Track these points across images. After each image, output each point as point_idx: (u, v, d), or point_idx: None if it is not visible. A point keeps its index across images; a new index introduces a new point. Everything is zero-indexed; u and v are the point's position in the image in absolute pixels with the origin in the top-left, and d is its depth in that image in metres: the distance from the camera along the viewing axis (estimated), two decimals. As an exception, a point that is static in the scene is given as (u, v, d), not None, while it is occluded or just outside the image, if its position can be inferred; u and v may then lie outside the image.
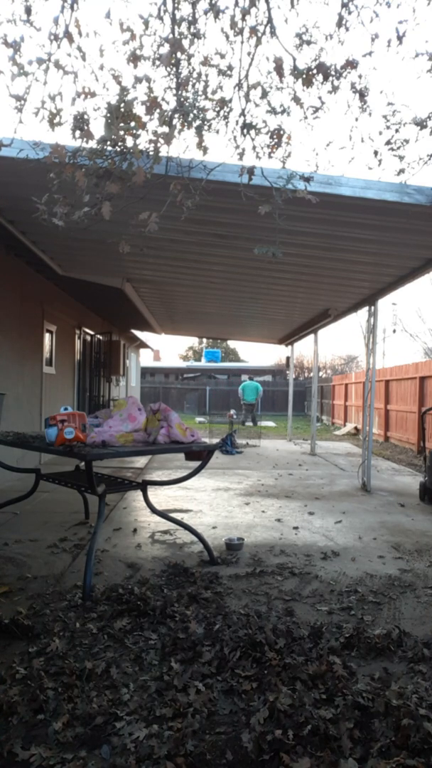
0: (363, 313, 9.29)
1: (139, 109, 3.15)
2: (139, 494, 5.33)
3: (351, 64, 3.27)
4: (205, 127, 3.31)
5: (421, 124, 3.96)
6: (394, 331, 34.39)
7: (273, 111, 3.39)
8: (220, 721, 2.34)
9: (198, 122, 3.24)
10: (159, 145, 3.17)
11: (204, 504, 6.76)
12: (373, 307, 8.23)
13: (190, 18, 3.21)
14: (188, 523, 4.94)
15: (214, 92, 3.41)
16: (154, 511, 4.73)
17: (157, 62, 3.20)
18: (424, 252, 5.95)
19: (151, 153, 3.18)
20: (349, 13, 3.27)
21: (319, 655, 2.82)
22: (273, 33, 3.11)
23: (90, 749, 2.14)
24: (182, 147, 6.00)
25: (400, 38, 3.31)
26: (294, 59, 3.18)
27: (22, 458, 7.27)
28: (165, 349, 64.15)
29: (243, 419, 16.78)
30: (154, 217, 3.09)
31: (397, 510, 6.68)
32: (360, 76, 3.39)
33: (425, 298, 53.78)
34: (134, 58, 3.20)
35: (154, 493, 6.89)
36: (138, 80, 3.15)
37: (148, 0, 3.13)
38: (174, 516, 5.02)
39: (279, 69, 3.10)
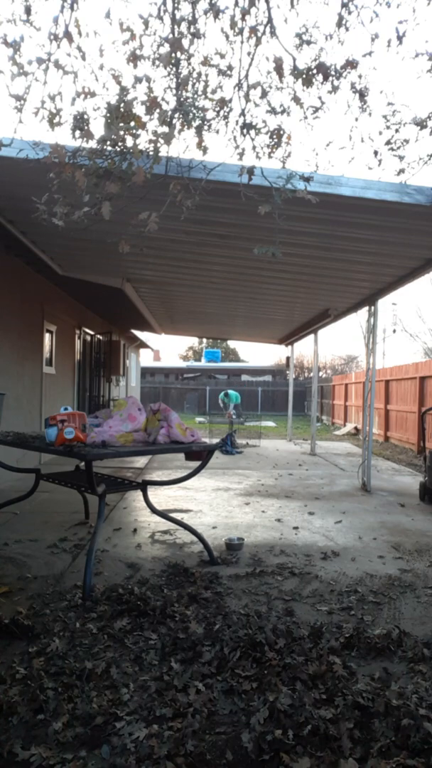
0: (363, 313, 9.30)
1: (139, 109, 3.15)
2: (139, 494, 5.33)
3: (351, 64, 3.27)
4: (205, 127, 3.31)
5: (421, 124, 3.96)
6: (394, 331, 34.42)
7: (273, 111, 3.39)
8: (220, 721, 2.34)
9: (198, 122, 3.24)
10: (159, 145, 3.17)
11: (204, 504, 6.76)
12: (373, 307, 8.23)
13: (190, 18, 3.21)
14: (188, 523, 4.94)
15: (214, 92, 3.41)
16: (154, 511, 4.73)
17: (157, 62, 3.20)
18: (424, 252, 5.95)
19: (150, 153, 3.18)
20: (349, 13, 3.27)
21: (319, 655, 2.81)
22: (273, 33, 3.11)
23: (90, 749, 2.14)
24: (182, 147, 6.00)
25: (400, 38, 3.31)
26: (294, 59, 3.18)
27: (22, 458, 7.26)
28: (165, 349, 64.13)
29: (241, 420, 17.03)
30: (154, 217, 3.09)
31: (397, 510, 6.68)
32: (360, 76, 3.39)
33: (425, 298, 53.79)
34: (134, 58, 3.20)
35: (154, 493, 6.89)
36: (138, 80, 3.15)
37: (148, 0, 3.13)
38: (174, 516, 5.02)
39: (279, 69, 3.10)
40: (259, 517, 6.16)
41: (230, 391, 15.27)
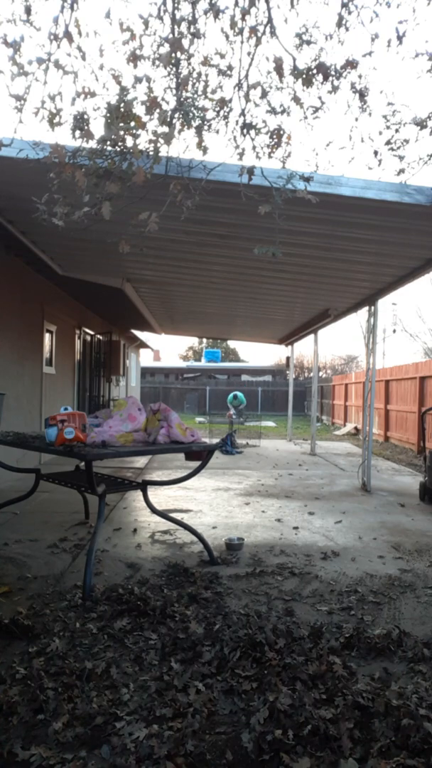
0: (363, 313, 9.30)
1: (139, 109, 3.15)
2: (139, 494, 5.33)
3: (351, 64, 3.27)
4: (205, 127, 3.31)
5: (421, 124, 3.97)
6: (394, 331, 34.42)
7: (273, 111, 3.39)
8: (220, 721, 2.34)
9: (198, 122, 3.24)
10: (159, 145, 3.17)
11: (204, 504, 6.76)
12: (373, 307, 8.23)
13: (190, 18, 3.21)
14: (188, 523, 4.94)
15: (214, 92, 3.41)
16: (154, 511, 4.73)
17: (157, 62, 3.20)
18: (424, 252, 5.95)
19: (151, 153, 3.18)
20: (349, 13, 3.27)
21: (319, 655, 2.81)
22: (273, 33, 3.11)
23: (90, 749, 2.14)
24: (182, 147, 6.00)
25: (400, 38, 3.31)
26: (294, 59, 3.18)
27: (22, 458, 7.26)
28: (165, 349, 64.10)
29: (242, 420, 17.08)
30: (154, 217, 3.09)
31: (397, 510, 6.68)
32: (360, 76, 3.40)
33: (425, 298, 53.80)
34: (134, 58, 3.20)
35: (154, 493, 6.89)
36: (138, 80, 3.15)
37: (148, 0, 3.13)
38: (174, 516, 5.02)
39: (279, 69, 3.10)
40: (259, 517, 6.16)
41: (239, 394, 15.22)
